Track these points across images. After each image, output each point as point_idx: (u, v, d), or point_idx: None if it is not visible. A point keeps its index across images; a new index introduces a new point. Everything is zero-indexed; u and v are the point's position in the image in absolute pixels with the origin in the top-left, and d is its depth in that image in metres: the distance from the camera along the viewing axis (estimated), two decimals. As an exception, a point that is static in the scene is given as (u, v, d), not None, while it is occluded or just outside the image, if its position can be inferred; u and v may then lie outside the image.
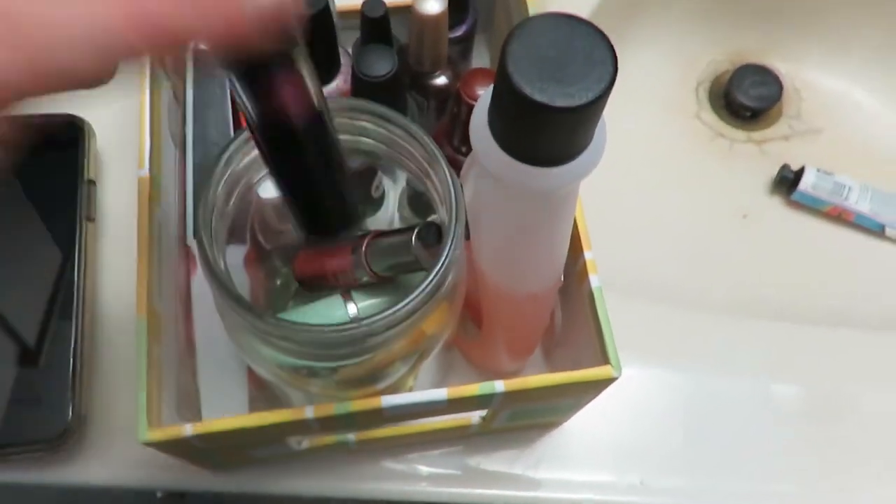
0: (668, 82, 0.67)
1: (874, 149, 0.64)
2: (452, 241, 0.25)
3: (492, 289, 0.32)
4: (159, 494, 0.48)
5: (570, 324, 0.36)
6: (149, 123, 0.34)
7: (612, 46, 0.22)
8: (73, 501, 0.85)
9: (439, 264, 0.25)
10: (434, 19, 0.37)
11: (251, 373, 0.38)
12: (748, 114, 0.66)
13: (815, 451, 0.43)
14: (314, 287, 0.37)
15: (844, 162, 0.63)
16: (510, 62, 0.22)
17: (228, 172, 0.27)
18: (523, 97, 0.22)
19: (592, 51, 0.22)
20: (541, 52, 0.22)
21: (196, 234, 0.25)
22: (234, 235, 0.35)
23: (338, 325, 0.24)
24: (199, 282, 0.37)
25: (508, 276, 0.31)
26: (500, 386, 0.30)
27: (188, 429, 0.28)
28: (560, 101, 0.21)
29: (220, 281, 0.25)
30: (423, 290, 0.24)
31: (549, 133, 0.23)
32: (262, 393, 0.38)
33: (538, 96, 0.21)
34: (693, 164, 0.64)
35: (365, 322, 0.24)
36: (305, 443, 0.36)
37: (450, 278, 0.26)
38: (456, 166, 0.29)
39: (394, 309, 0.24)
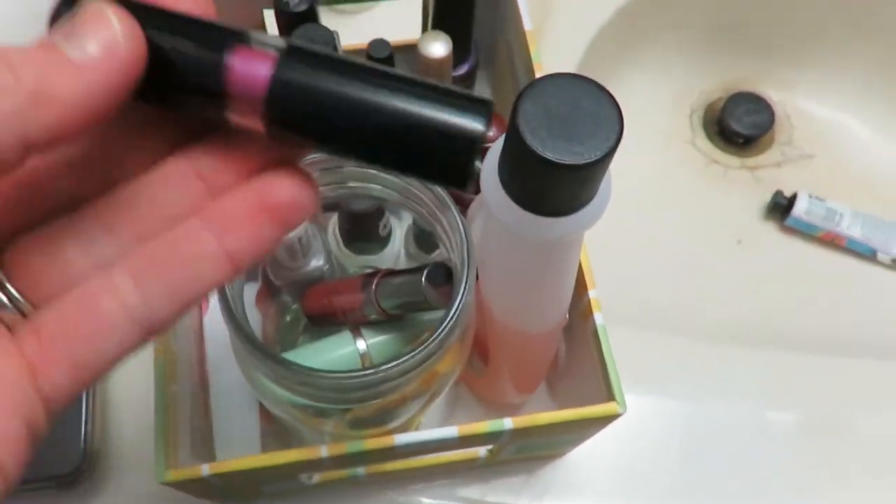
0: (663, 110, 0.68)
1: (865, 175, 0.66)
2: (465, 286, 0.26)
3: (499, 327, 0.33)
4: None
5: (573, 358, 0.37)
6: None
7: (618, 106, 0.23)
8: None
9: (453, 310, 0.25)
10: (439, 63, 0.38)
11: (263, 409, 0.39)
12: (741, 140, 0.67)
13: (812, 474, 0.44)
14: (323, 323, 0.37)
15: (836, 188, 0.64)
16: (522, 120, 0.23)
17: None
18: (534, 154, 0.23)
19: (599, 110, 0.23)
20: (551, 111, 0.23)
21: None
22: (248, 274, 0.36)
23: (354, 371, 0.25)
24: (211, 321, 0.38)
25: (515, 315, 0.32)
26: (508, 423, 0.31)
27: (205, 469, 0.29)
28: (569, 159, 0.22)
29: (238, 325, 0.25)
30: (439, 335, 0.25)
31: (558, 187, 0.24)
32: (273, 428, 0.39)
33: (549, 154, 0.22)
34: (688, 189, 0.65)
35: (382, 368, 0.25)
36: (316, 477, 0.37)
37: (461, 321, 0.27)
38: (462, 204, 0.30)
39: (409, 355, 0.25)
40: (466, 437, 0.31)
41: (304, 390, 0.26)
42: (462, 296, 0.26)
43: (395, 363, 0.25)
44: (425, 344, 0.25)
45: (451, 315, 0.25)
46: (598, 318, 0.33)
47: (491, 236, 0.29)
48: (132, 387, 0.41)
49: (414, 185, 0.29)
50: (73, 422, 0.38)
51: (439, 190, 0.28)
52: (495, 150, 0.26)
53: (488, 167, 0.26)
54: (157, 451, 0.29)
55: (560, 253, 0.28)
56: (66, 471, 0.38)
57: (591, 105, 0.23)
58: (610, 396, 0.31)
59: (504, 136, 0.25)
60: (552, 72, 0.24)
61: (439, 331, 0.25)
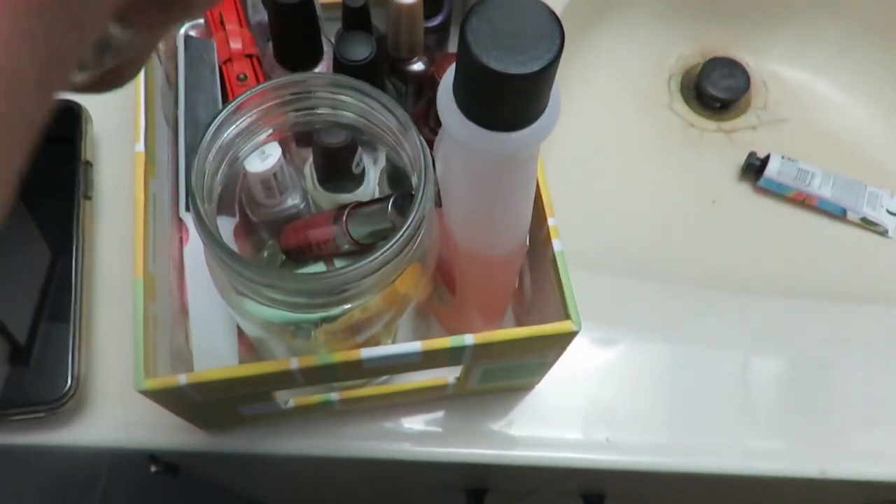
0: (642, 75, 0.70)
1: (836, 137, 0.68)
2: (421, 199, 0.28)
3: (463, 253, 0.35)
4: (154, 469, 0.50)
5: (538, 291, 0.39)
6: (143, 103, 0.37)
7: (559, 21, 0.25)
8: (67, 478, 0.88)
9: (409, 219, 0.27)
10: (409, 8, 0.40)
11: (241, 337, 0.41)
12: (718, 105, 0.69)
13: (773, 412, 0.46)
14: (299, 258, 0.39)
15: (809, 150, 0.66)
16: (469, 35, 0.24)
17: (218, 143, 0.30)
18: (482, 66, 0.24)
19: (542, 25, 0.25)
20: (496, 26, 0.25)
21: (189, 195, 0.27)
22: (224, 207, 0.38)
23: (316, 272, 0.27)
24: (191, 252, 0.40)
25: (477, 239, 0.34)
26: (469, 339, 0.32)
27: (182, 378, 0.31)
28: (514, 69, 0.24)
29: (211, 235, 0.27)
30: (395, 242, 0.27)
31: (507, 99, 0.26)
32: (251, 356, 0.41)
33: (494, 65, 0.24)
34: (665, 151, 0.67)
35: (342, 270, 0.26)
36: (292, 402, 0.39)
37: (420, 236, 0.29)
38: (433, 146, 0.32)
39: (367, 259, 0.27)
40: (430, 352, 0.32)
41: (272, 296, 0.28)
42: (418, 207, 0.28)
43: (354, 265, 0.26)
44: (381, 251, 0.27)
45: (407, 223, 0.27)
46: (557, 244, 0.34)
47: (451, 161, 0.31)
48: (114, 317, 0.43)
49: (378, 110, 0.30)
50: (60, 350, 0.40)
51: (402, 113, 0.30)
52: (449, 73, 0.28)
53: (443, 91, 0.28)
54: (136, 359, 0.31)
55: (515, 169, 0.29)
56: (54, 397, 0.39)
57: (534, 21, 0.25)
58: (566, 315, 0.33)
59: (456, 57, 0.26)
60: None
61: (396, 237, 0.27)
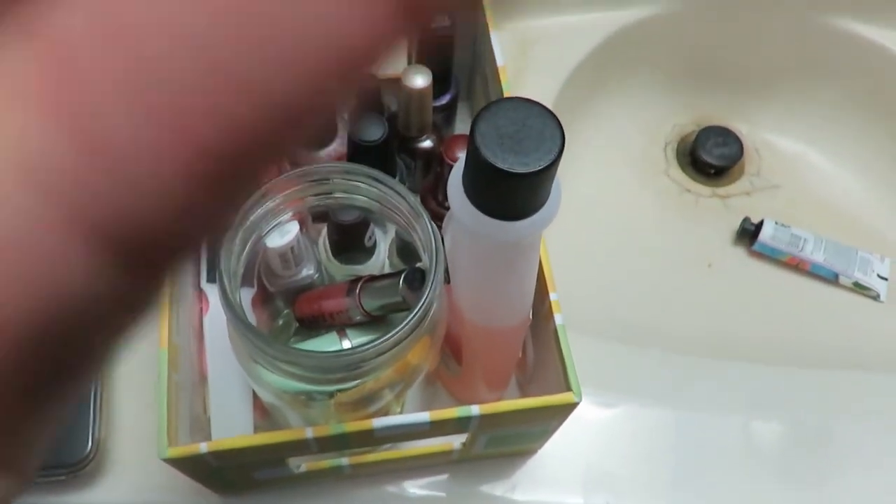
0: (639, 142, 0.73)
1: (828, 204, 0.70)
2: (433, 281, 0.30)
3: (469, 326, 0.37)
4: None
5: (540, 361, 0.41)
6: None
7: (559, 124, 0.27)
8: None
9: (422, 300, 0.29)
10: (420, 92, 0.42)
11: (257, 403, 0.42)
12: (712, 171, 0.72)
13: (773, 478, 0.47)
14: (312, 326, 0.41)
15: (801, 216, 0.68)
16: (478, 137, 0.27)
17: (245, 225, 0.32)
18: (489, 165, 0.27)
19: (544, 129, 0.27)
20: (502, 129, 0.27)
21: (218, 274, 0.30)
22: (244, 279, 0.40)
23: (335, 351, 0.29)
24: (210, 321, 0.42)
25: (483, 313, 0.36)
26: (476, 409, 0.34)
27: (203, 447, 0.33)
28: (518, 169, 0.27)
29: (236, 312, 0.29)
30: (409, 321, 0.29)
31: (511, 194, 0.28)
32: (265, 422, 0.42)
33: (500, 165, 0.27)
34: (662, 216, 0.70)
35: (359, 349, 0.28)
36: (304, 466, 0.40)
37: (431, 313, 0.31)
38: (440, 219, 0.34)
39: (384, 338, 0.29)
40: (438, 422, 0.34)
41: (291, 370, 0.30)
42: (431, 288, 0.30)
43: (370, 344, 0.28)
44: (397, 329, 0.29)
45: (420, 303, 0.29)
46: (559, 318, 0.36)
47: (459, 242, 0.33)
48: (134, 384, 0.45)
49: (391, 196, 0.33)
50: (82, 414, 0.42)
51: (413, 200, 0.32)
52: (459, 165, 0.30)
53: (454, 180, 0.30)
54: (160, 429, 0.33)
55: (519, 253, 0.32)
56: (75, 460, 0.41)
57: (537, 124, 0.27)
58: (567, 388, 0.35)
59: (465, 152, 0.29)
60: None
61: (410, 316, 0.29)
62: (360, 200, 0.34)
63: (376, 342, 0.28)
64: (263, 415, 0.42)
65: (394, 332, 0.29)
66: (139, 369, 0.45)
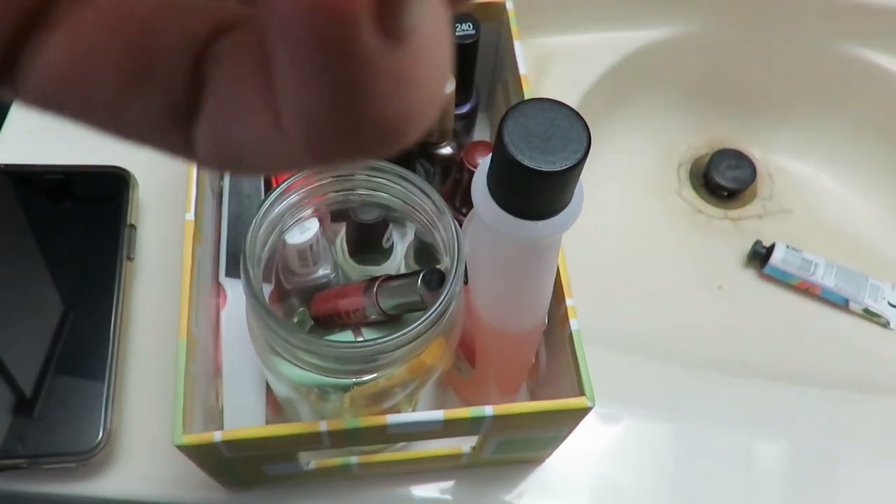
0: (653, 163, 0.74)
1: (839, 229, 0.70)
2: (454, 278, 0.30)
3: (485, 328, 0.37)
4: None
5: (553, 367, 0.41)
6: (196, 175, 0.40)
7: (586, 125, 0.28)
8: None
9: (442, 296, 0.30)
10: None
11: (269, 399, 0.42)
12: (725, 193, 0.72)
13: (777, 497, 0.47)
14: (328, 324, 0.42)
15: (812, 240, 0.69)
16: (506, 135, 0.27)
17: (269, 217, 0.33)
18: (516, 163, 0.27)
19: (571, 129, 0.28)
20: (530, 128, 0.28)
21: (243, 261, 0.30)
22: (263, 276, 0.40)
23: (353, 341, 0.29)
24: (227, 315, 0.42)
25: (500, 316, 0.36)
26: (489, 410, 0.34)
27: (217, 435, 0.33)
28: (545, 167, 0.27)
29: (259, 300, 0.29)
30: (429, 316, 0.29)
31: (536, 192, 0.28)
32: (277, 419, 0.43)
33: (527, 162, 0.27)
34: (674, 237, 0.70)
35: (378, 340, 0.29)
36: (313, 463, 0.40)
37: (449, 312, 0.31)
38: (459, 221, 0.35)
39: (402, 332, 0.29)
40: (451, 421, 0.34)
41: (311, 361, 0.30)
42: (451, 285, 0.30)
43: (388, 338, 0.29)
44: (415, 324, 0.29)
45: (440, 300, 0.30)
46: (574, 323, 0.37)
47: (480, 242, 0.34)
48: (148, 373, 0.45)
49: (416, 194, 0.33)
50: (95, 401, 0.42)
51: (438, 198, 0.33)
52: (484, 164, 0.31)
53: (478, 179, 0.31)
54: (175, 415, 0.33)
55: (539, 254, 0.32)
56: (86, 448, 0.41)
57: (564, 124, 0.28)
58: (580, 392, 0.35)
59: (491, 152, 0.29)
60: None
61: (429, 312, 0.29)
62: (383, 198, 0.35)
63: (395, 335, 0.29)
64: (276, 411, 0.42)
65: (413, 325, 0.29)
66: (153, 361, 0.46)
